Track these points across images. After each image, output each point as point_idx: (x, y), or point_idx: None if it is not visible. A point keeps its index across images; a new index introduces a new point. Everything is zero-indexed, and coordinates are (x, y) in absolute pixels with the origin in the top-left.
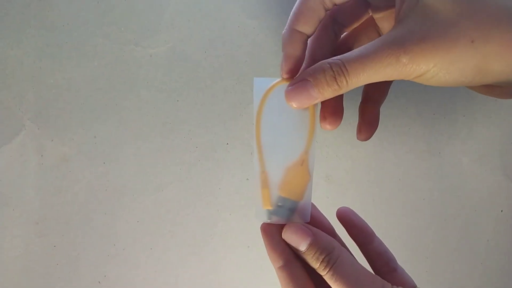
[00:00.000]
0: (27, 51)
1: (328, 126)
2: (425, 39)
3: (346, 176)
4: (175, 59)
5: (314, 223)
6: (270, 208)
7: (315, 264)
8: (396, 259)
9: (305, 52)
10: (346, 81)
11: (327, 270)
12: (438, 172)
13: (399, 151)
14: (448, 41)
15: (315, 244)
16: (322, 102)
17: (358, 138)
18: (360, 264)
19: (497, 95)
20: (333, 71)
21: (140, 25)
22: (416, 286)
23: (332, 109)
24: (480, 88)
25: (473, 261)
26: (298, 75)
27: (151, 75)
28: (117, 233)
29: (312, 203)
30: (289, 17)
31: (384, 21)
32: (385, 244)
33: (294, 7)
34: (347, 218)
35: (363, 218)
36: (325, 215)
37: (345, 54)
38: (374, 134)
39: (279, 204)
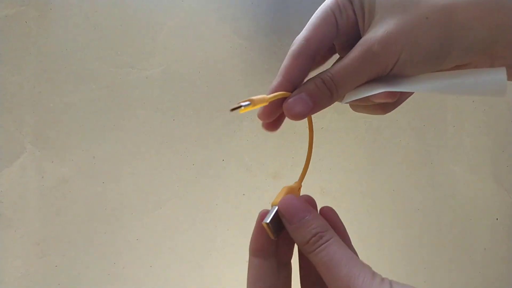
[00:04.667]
0: (27, 77)
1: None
2: (388, 30)
3: (340, 189)
4: (170, 80)
5: None
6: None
7: (305, 238)
8: (394, 269)
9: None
10: (336, 87)
11: (317, 247)
12: (430, 182)
13: (391, 162)
14: (407, 25)
15: (311, 220)
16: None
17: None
18: (352, 252)
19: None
20: (323, 80)
21: (136, 49)
22: None
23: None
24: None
25: (471, 270)
26: (294, 92)
27: (147, 96)
28: (117, 252)
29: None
30: (280, 69)
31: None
32: (381, 255)
33: (284, 62)
34: (330, 218)
35: (359, 230)
36: None
37: (331, 67)
38: (366, 146)
39: (274, 219)
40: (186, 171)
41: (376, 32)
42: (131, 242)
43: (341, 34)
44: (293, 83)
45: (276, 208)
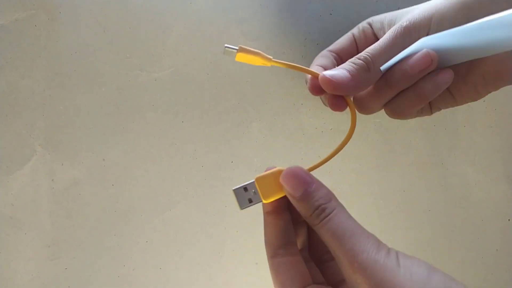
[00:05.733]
0: (38, 80)
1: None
2: (413, 14)
3: (350, 190)
4: (179, 82)
5: None
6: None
7: (309, 211)
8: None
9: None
10: (372, 61)
11: (321, 219)
12: (442, 183)
13: (402, 163)
14: (430, 6)
15: (314, 191)
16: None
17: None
18: (356, 221)
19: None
20: (357, 57)
21: (145, 52)
22: None
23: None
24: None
25: (483, 272)
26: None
27: (156, 99)
28: (126, 254)
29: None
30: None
31: None
32: None
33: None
34: None
35: (369, 231)
36: None
37: (367, 48)
38: (376, 147)
39: (246, 188)
40: (196, 173)
41: (404, 18)
42: (141, 244)
43: (361, 49)
44: (325, 68)
45: (253, 181)
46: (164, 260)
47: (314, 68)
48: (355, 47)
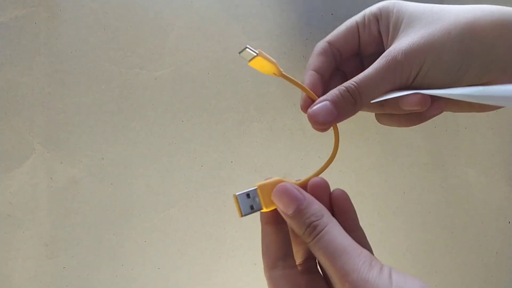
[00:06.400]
0: (37, 78)
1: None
2: (412, 42)
3: (350, 191)
4: (179, 81)
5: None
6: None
7: (301, 229)
8: (405, 272)
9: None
10: (360, 96)
11: (313, 237)
12: (443, 185)
13: (403, 164)
14: (430, 38)
15: (305, 209)
16: None
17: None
18: (349, 237)
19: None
20: (347, 89)
21: (145, 50)
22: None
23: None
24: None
25: (484, 274)
26: (318, 99)
27: (156, 97)
28: (125, 254)
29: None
30: (307, 66)
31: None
32: (392, 257)
33: (309, 60)
34: (341, 202)
35: (369, 232)
36: None
37: (355, 77)
38: (377, 148)
39: (248, 195)
40: (195, 173)
41: (400, 44)
42: (140, 244)
43: (363, 46)
44: (322, 75)
45: (256, 188)
46: (163, 260)
47: (309, 73)
48: (357, 43)
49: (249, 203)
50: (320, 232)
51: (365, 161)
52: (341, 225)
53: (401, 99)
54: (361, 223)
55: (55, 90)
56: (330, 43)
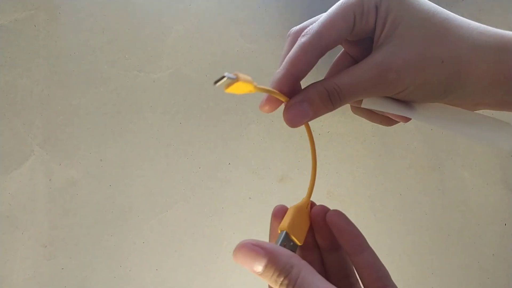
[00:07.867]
0: (36, 80)
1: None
2: (406, 60)
3: (347, 193)
4: (177, 83)
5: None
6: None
7: (275, 285)
8: (402, 275)
9: (295, 88)
10: (340, 100)
11: None
12: (439, 187)
13: (399, 166)
14: (424, 62)
15: (271, 265)
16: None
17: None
18: (325, 281)
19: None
20: (328, 92)
21: (144, 52)
22: None
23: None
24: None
25: (480, 276)
26: (294, 97)
27: (154, 99)
28: (123, 255)
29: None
30: (286, 59)
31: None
32: (389, 260)
33: (292, 53)
34: (335, 222)
35: (366, 235)
36: None
37: (337, 76)
38: (374, 150)
39: (284, 243)
40: (193, 174)
41: (394, 56)
42: (138, 245)
43: (353, 34)
44: (297, 77)
45: (285, 232)
46: (161, 261)
47: (286, 75)
48: (350, 32)
49: (288, 246)
50: (294, 285)
51: (362, 163)
52: (346, 246)
53: (390, 113)
54: (357, 226)
55: (54, 92)
56: (320, 35)
